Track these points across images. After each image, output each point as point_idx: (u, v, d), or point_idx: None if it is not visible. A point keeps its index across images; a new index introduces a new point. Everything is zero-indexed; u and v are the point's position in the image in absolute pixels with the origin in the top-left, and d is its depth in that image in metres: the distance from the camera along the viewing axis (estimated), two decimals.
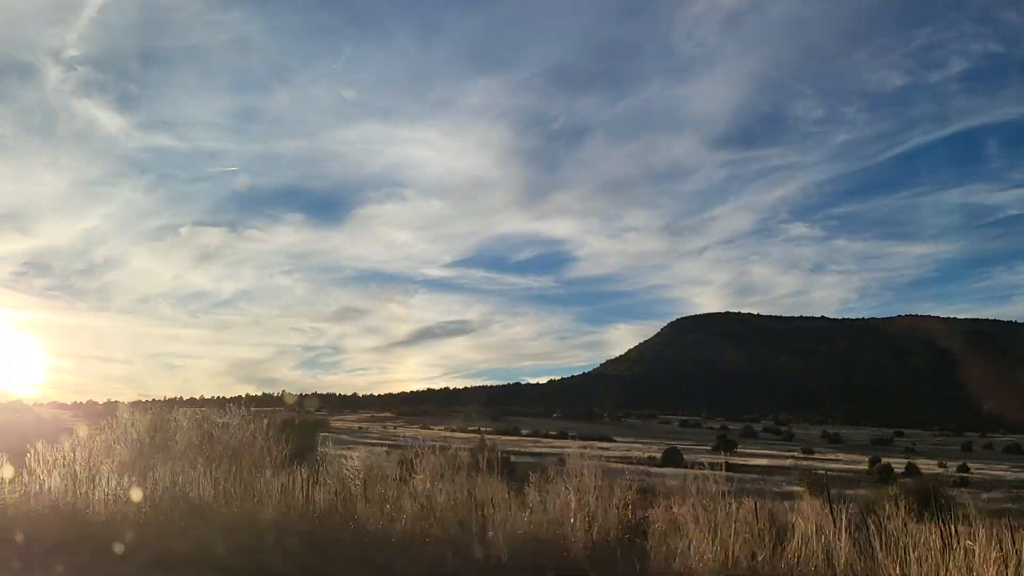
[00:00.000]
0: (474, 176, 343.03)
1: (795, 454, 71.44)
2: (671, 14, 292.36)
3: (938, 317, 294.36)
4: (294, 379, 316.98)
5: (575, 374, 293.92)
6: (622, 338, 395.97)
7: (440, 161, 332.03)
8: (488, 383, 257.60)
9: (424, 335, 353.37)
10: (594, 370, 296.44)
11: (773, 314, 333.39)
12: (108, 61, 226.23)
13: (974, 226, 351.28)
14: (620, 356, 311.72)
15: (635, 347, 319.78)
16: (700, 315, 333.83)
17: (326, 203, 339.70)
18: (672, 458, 49.73)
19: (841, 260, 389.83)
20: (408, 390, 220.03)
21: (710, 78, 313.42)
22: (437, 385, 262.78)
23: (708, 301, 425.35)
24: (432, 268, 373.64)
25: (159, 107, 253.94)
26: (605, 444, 71.55)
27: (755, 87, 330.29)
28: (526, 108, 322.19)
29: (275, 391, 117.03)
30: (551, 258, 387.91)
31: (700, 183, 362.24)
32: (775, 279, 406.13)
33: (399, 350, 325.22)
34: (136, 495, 8.42)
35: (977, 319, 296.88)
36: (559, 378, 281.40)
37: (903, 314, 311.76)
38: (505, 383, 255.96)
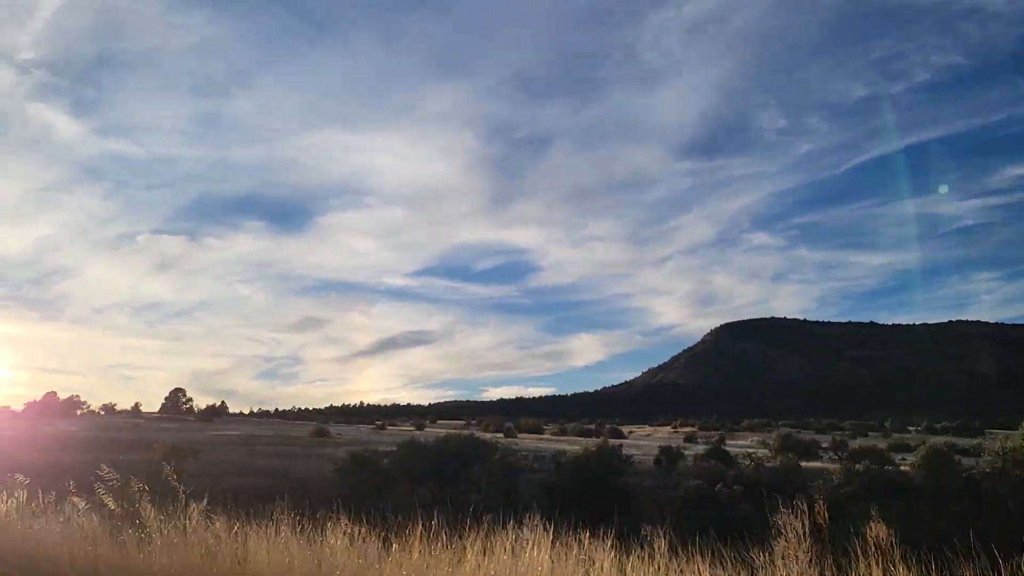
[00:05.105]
0: (437, 184, 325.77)
1: None
2: (636, 23, 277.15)
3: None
4: (252, 390, 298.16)
5: (615, 383, 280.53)
6: (585, 348, 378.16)
7: (403, 168, 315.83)
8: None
9: (386, 345, 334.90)
10: (636, 379, 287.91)
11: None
12: (64, 65, 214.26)
13: (931, 236, 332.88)
14: (663, 364, 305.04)
15: (677, 355, 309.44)
16: (744, 320, 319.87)
17: (286, 211, 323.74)
18: None
19: (801, 269, 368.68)
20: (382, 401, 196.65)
21: (675, 87, 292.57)
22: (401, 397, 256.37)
23: (669, 311, 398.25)
24: (394, 277, 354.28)
25: (116, 112, 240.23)
26: None
27: (719, 97, 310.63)
28: (490, 116, 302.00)
29: (233, 405, 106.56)
30: (514, 267, 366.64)
31: (664, 192, 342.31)
32: (736, 288, 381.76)
33: (360, 360, 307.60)
34: None
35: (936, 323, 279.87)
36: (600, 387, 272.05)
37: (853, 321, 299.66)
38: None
